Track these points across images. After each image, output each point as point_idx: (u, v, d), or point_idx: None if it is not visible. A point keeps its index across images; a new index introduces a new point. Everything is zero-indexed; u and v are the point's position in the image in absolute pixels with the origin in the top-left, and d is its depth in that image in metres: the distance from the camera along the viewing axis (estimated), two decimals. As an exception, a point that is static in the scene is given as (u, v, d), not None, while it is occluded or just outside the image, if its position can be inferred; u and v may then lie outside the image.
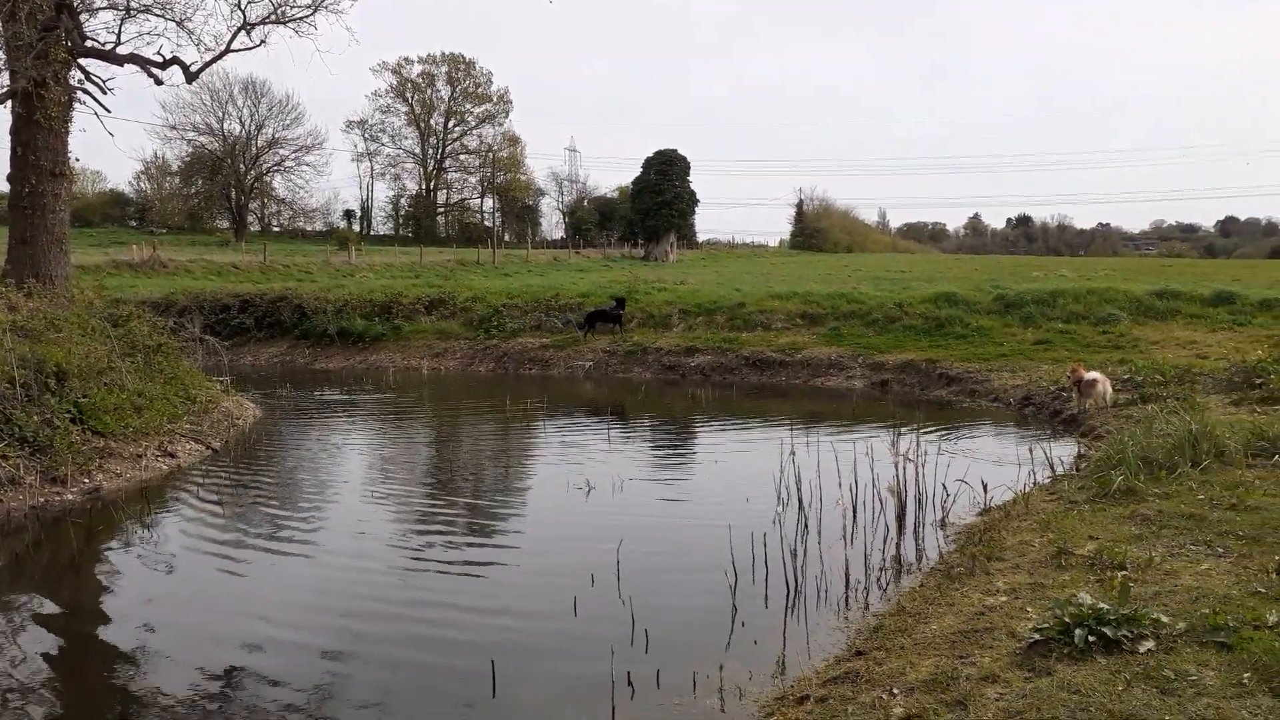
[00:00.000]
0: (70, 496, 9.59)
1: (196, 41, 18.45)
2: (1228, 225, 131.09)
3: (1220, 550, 5.91)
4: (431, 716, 5.06)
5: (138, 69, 17.22)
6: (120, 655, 5.94)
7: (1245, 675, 4.10)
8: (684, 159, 71.73)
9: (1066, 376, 13.74)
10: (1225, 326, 18.49)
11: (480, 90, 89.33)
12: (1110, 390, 13.06)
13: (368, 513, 9.30)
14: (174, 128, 70.84)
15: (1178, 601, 5.05)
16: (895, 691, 4.43)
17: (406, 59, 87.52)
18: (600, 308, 22.54)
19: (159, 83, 17.57)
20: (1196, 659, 4.32)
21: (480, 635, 6.11)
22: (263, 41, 18.52)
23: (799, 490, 8.40)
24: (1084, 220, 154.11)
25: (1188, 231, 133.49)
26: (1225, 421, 9.62)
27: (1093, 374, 13.12)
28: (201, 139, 72.63)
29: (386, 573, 7.47)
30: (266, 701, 5.19)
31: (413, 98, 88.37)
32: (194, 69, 18.12)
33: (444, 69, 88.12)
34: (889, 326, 20.40)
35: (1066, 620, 4.67)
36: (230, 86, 71.35)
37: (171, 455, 11.35)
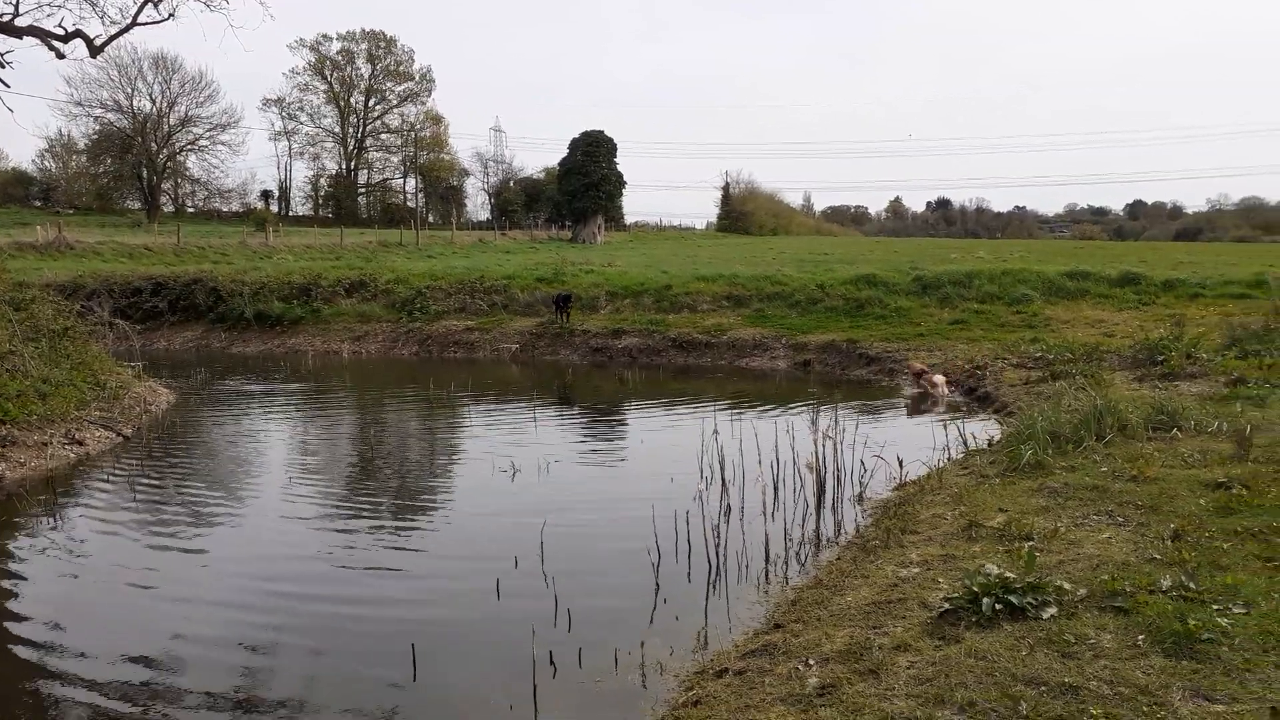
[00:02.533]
0: (-30, 487, 9.21)
1: (101, 14, 17.76)
2: (1136, 209, 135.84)
3: (1121, 520, 6.16)
4: (353, 701, 5.01)
5: (38, 41, 16.48)
6: (28, 652, 5.72)
7: (1140, 637, 4.29)
8: (611, 140, 71.25)
9: (906, 370, 15.33)
10: (1131, 306, 19.21)
11: (402, 68, 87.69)
12: (945, 389, 14.09)
13: (288, 499, 9.13)
14: (80, 104, 68.22)
15: (1080, 569, 5.25)
16: (811, 662, 4.54)
17: (325, 35, 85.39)
18: (564, 292, 22.02)
19: (61, 56, 16.83)
20: (1095, 623, 4.50)
21: (403, 619, 6.06)
22: (171, 15, 17.83)
23: (722, 469, 8.50)
24: (1001, 203, 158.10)
25: (1099, 214, 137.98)
26: (1129, 397, 10.01)
27: (926, 368, 14.68)
28: (110, 116, 69.99)
29: (307, 560, 7.34)
30: (187, 694, 5.07)
31: (332, 75, 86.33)
32: (98, 42, 17.39)
33: (364, 46, 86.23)
34: (811, 308, 20.71)
35: (975, 590, 4.83)
36: (139, 62, 68.86)
37: (79, 443, 10.98)
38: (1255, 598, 4.60)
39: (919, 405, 13.74)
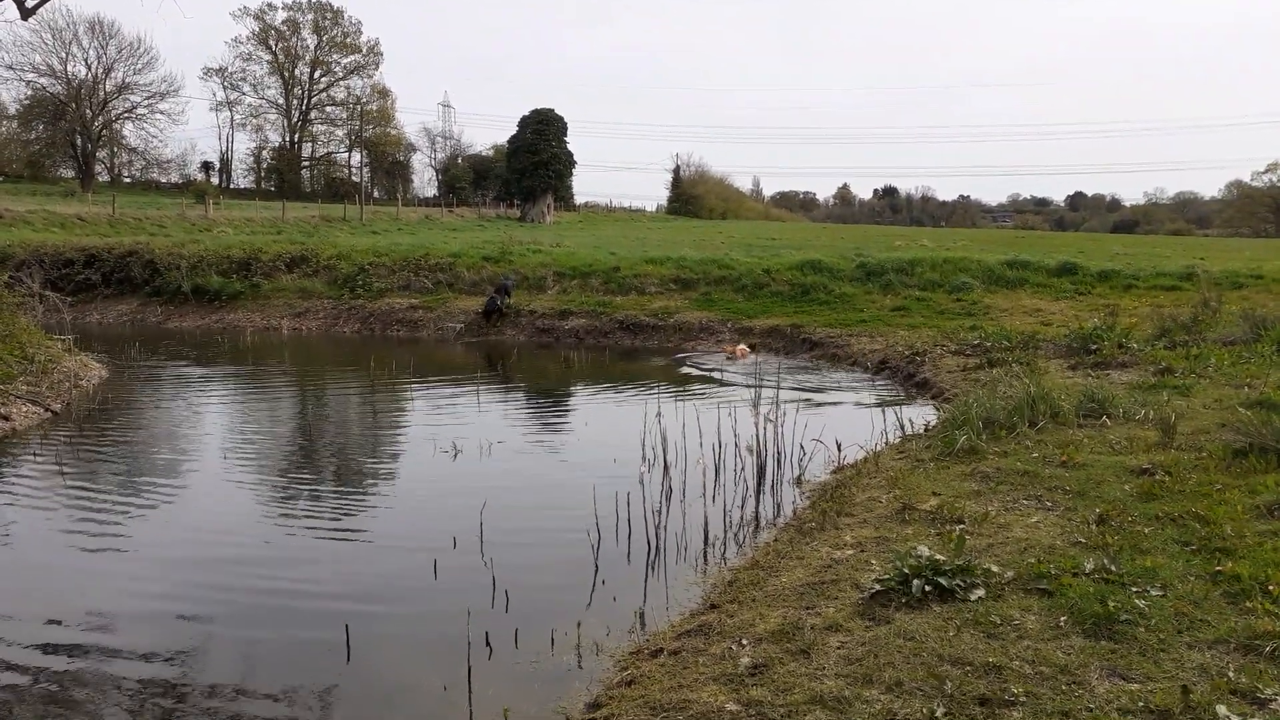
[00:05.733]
0: (-112, 463, 8.90)
1: (32, -26, 17.12)
2: (1076, 200, 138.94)
3: (1049, 504, 6.31)
4: (287, 683, 4.95)
5: (-36, 1, 15.87)
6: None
7: (1062, 619, 4.41)
8: (561, 119, 70.76)
9: (727, 352, 17.29)
10: (1068, 295, 19.62)
11: (348, 40, 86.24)
12: (749, 355, 16.85)
13: (223, 478, 8.97)
14: (10, 68, 65.88)
15: (1008, 552, 5.38)
16: (744, 642, 4.59)
17: (270, 4, 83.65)
18: (495, 297, 20.63)
19: (-12, 17, 16.24)
20: (1021, 605, 4.62)
21: (338, 602, 6.00)
22: (107, -23, 17.33)
23: (664, 451, 8.54)
24: (946, 192, 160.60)
25: (1041, 205, 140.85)
26: (1062, 385, 10.25)
27: (743, 349, 17.18)
28: (42, 80, 67.48)
29: (241, 541, 7.22)
30: (117, 679, 4.93)
31: (276, 45, 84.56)
32: (30, 4, 16.85)
33: (310, 17, 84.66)
34: (758, 293, 20.83)
35: (906, 571, 4.92)
36: (74, 26, 66.54)
37: (5, 418, 10.66)
38: (1172, 580, 4.76)
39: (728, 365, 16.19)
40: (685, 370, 15.78)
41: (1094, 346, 13.20)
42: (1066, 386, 10.08)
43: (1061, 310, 18.12)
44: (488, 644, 5.24)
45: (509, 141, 73.09)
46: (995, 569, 5.01)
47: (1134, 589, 4.65)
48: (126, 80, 69.86)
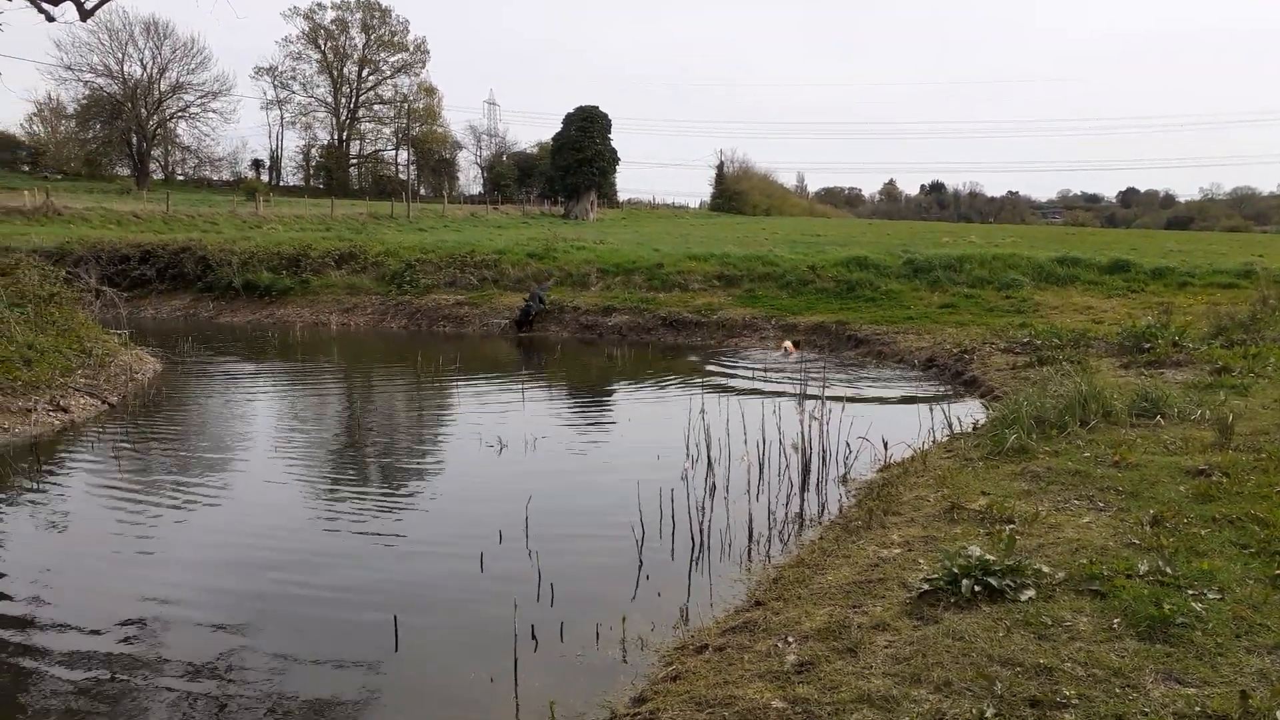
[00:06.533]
0: (-46, 452, 9.18)
1: (91, -24, 17.51)
2: (1129, 196, 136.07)
3: (1101, 505, 6.20)
4: (335, 671, 5.03)
5: (27, 4, 16.30)
6: (9, 619, 5.70)
7: (1115, 621, 4.33)
8: (605, 116, 70.88)
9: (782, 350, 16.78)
10: (1120, 293, 19.25)
11: (396, 39, 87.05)
12: (794, 352, 16.34)
13: (273, 470, 9.12)
14: (69, 68, 67.46)
15: (1059, 553, 5.30)
16: (790, 640, 4.57)
17: (320, 4, 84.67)
18: (530, 304, 20.43)
19: (51, 19, 16.68)
20: (1072, 606, 4.55)
21: (386, 592, 6.08)
22: (163, -21, 17.70)
23: (708, 447, 8.52)
24: (994, 188, 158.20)
25: (1091, 201, 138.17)
26: (1114, 384, 10.05)
27: (789, 345, 16.68)
28: (100, 81, 69.19)
29: (291, 531, 7.35)
30: (167, 665, 5.07)
31: (325, 44, 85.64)
32: (89, 6, 17.23)
33: (358, 15, 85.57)
34: (802, 289, 20.70)
35: (955, 571, 4.86)
36: (130, 26, 68.11)
37: (64, 410, 10.94)
38: (1230, 584, 4.65)
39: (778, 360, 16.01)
40: (719, 371, 15.65)
41: (1147, 345, 12.95)
42: (1119, 385, 9.89)
43: (1113, 308, 17.79)
44: (533, 636, 5.27)
45: (553, 139, 73.39)
46: (1046, 570, 4.93)
47: (1190, 592, 4.55)
48: (180, 80, 71.47)
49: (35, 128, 72.26)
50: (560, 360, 17.32)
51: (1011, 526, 5.82)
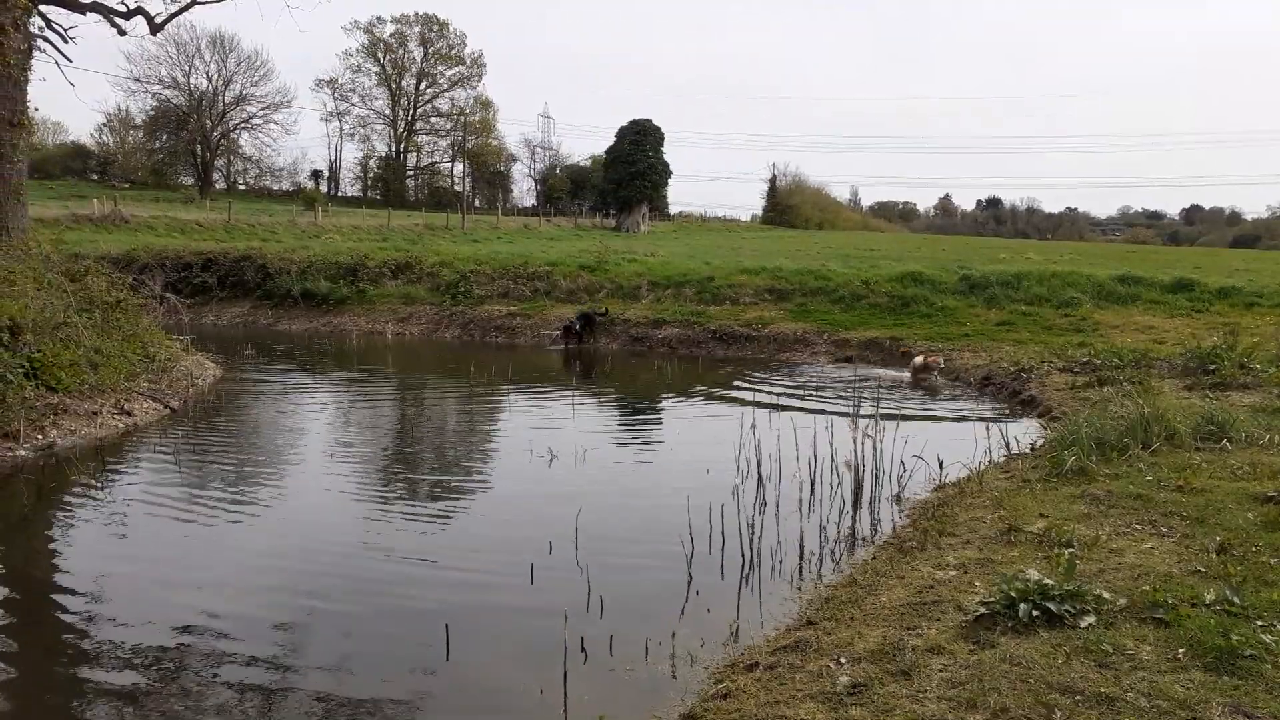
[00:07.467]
0: (23, 453, 9.46)
1: (162, -9, 18.07)
2: (1192, 213, 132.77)
3: (1165, 530, 6.04)
4: (386, 678, 5.08)
5: (100, 18, 16.84)
6: (71, 616, 5.87)
7: (1180, 650, 4.21)
8: (658, 129, 71.04)
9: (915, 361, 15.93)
10: (1183, 313, 18.78)
11: (453, 52, 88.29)
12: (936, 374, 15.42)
13: (327, 477, 9.26)
14: (138, 80, 69.61)
15: (1121, 579, 5.17)
16: (843, 661, 4.51)
17: (379, 18, 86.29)
18: (581, 317, 20.13)
19: (122, 33, 17.25)
20: (1135, 634, 4.43)
21: (437, 601, 6.13)
22: (230, -6, 18.19)
23: (759, 463, 8.47)
24: (1052, 204, 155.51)
25: (1153, 218, 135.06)
26: (1177, 405, 9.79)
27: (921, 358, 15.62)
28: (167, 93, 71.32)
29: (345, 537, 7.45)
30: (221, 664, 5.16)
31: (384, 58, 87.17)
32: (159, 20, 17.80)
33: (417, 29, 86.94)
34: (855, 304, 20.53)
35: (1012, 595, 4.76)
36: (197, 40, 69.99)
37: (128, 413, 11.21)
38: (1302, 616, 4.49)
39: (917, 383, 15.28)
40: (768, 385, 15.54)
41: (1212, 366, 12.61)
42: (1182, 408, 9.63)
43: (1176, 328, 17.36)
44: (583, 649, 5.27)
45: (606, 152, 73.73)
46: (1107, 595, 4.81)
47: (1259, 623, 4.41)
48: (244, 92, 73.20)
49: (105, 138, 74.72)
50: (610, 372, 17.36)
51: (1071, 550, 5.69)
